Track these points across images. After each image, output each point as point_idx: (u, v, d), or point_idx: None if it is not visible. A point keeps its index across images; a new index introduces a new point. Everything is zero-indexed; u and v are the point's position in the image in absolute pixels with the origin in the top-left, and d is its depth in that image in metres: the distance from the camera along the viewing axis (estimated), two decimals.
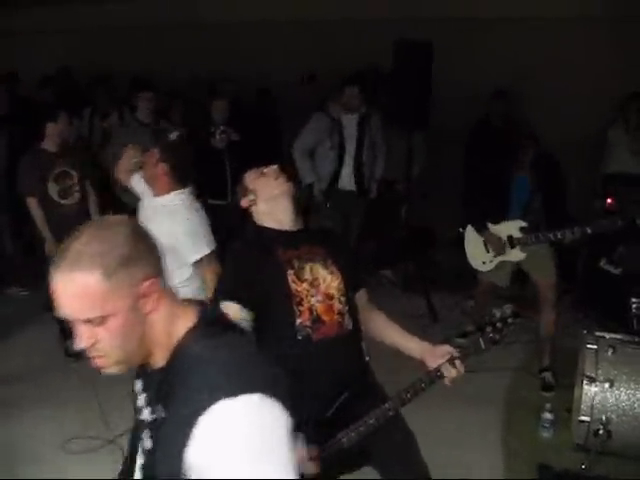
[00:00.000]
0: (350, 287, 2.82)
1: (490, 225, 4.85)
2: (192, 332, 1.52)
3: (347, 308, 2.76)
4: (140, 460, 1.61)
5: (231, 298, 2.64)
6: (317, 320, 2.68)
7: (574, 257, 5.99)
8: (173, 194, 3.67)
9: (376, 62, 6.93)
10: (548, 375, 4.81)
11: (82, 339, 1.48)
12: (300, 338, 2.66)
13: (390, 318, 2.93)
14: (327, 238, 2.94)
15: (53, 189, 5.10)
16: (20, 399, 4.73)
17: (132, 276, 1.46)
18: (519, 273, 5.01)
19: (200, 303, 1.64)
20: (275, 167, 2.92)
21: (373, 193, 6.41)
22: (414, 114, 6.06)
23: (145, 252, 1.50)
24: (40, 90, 7.56)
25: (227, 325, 1.60)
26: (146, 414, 1.56)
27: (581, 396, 3.86)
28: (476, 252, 5.01)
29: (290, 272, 2.71)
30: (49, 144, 5.15)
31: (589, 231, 4.38)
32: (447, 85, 6.56)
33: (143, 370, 1.63)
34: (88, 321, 1.45)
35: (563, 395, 4.45)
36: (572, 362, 4.26)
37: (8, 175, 5.95)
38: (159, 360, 1.54)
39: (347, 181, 6.15)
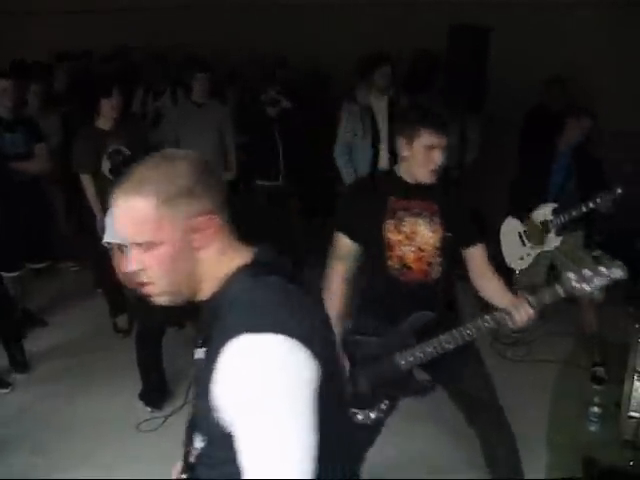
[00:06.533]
0: (461, 243, 3.04)
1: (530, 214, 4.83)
2: (241, 270, 1.51)
3: (439, 260, 2.98)
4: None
5: (342, 230, 3.06)
6: (405, 266, 2.98)
7: (630, 251, 5.87)
8: None
9: (434, 47, 6.85)
10: (599, 369, 4.73)
11: (131, 263, 1.51)
12: (389, 276, 2.99)
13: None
14: (443, 194, 3.02)
15: (106, 166, 5.15)
16: (67, 374, 4.86)
17: (188, 209, 1.47)
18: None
19: (260, 245, 1.62)
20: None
21: None
22: (468, 99, 5.97)
23: (206, 187, 1.50)
24: (100, 68, 7.70)
25: (279, 268, 1.53)
26: (197, 353, 1.57)
27: (631, 391, 3.77)
28: (512, 247, 4.95)
29: (390, 222, 2.96)
30: (103, 121, 5.21)
31: (619, 191, 4.33)
32: (503, 70, 6.45)
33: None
34: (139, 245, 1.49)
35: (612, 389, 4.37)
36: (622, 356, 4.18)
37: (63, 152, 6.04)
38: (206, 294, 1.54)
39: (384, 167, 6.01)
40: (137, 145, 5.35)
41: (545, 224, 4.72)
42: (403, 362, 2.94)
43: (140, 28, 8.36)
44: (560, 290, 2.75)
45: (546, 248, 4.80)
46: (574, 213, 4.55)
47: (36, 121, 5.52)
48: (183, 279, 1.53)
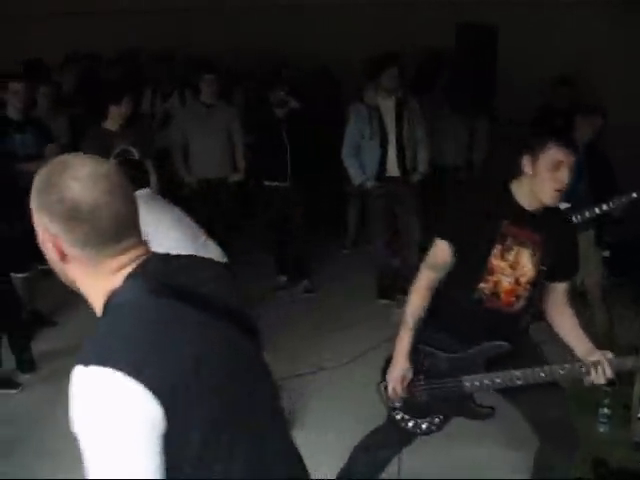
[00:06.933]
0: (550, 277, 2.94)
1: None
2: (117, 291, 1.45)
3: (527, 295, 2.91)
4: None
5: (450, 241, 2.90)
6: (495, 294, 2.88)
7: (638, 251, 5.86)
8: None
9: (438, 45, 6.86)
10: None
11: None
12: (474, 298, 2.89)
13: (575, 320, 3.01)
14: (555, 226, 2.89)
15: None
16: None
17: (40, 221, 1.47)
18: None
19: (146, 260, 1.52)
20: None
21: (416, 178, 6.12)
22: (476, 99, 5.96)
23: (61, 215, 1.42)
24: (108, 70, 7.74)
25: (156, 286, 1.45)
26: None
27: None
28: None
29: (498, 247, 2.84)
30: (111, 123, 5.23)
31: (635, 195, 4.31)
32: (512, 70, 6.44)
33: None
34: None
35: (622, 391, 4.35)
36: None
37: (70, 152, 6.06)
38: (98, 312, 1.50)
39: (392, 167, 6.00)
40: (145, 145, 5.37)
41: None
42: (468, 385, 2.90)
43: (143, 30, 8.40)
44: None
45: None
46: (587, 214, 4.51)
47: (46, 122, 5.54)
48: (64, 277, 1.54)
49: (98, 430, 1.29)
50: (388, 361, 3.03)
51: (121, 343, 1.35)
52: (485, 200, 2.97)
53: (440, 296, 3.00)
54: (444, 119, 6.49)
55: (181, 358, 1.38)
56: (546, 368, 2.81)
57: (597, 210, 4.46)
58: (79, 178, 1.42)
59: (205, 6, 8.57)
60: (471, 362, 2.90)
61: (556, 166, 2.73)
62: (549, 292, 3.01)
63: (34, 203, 1.47)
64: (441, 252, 2.93)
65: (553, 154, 2.73)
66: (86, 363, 1.32)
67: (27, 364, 4.99)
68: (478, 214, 2.87)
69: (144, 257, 1.50)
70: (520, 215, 2.84)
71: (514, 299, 2.89)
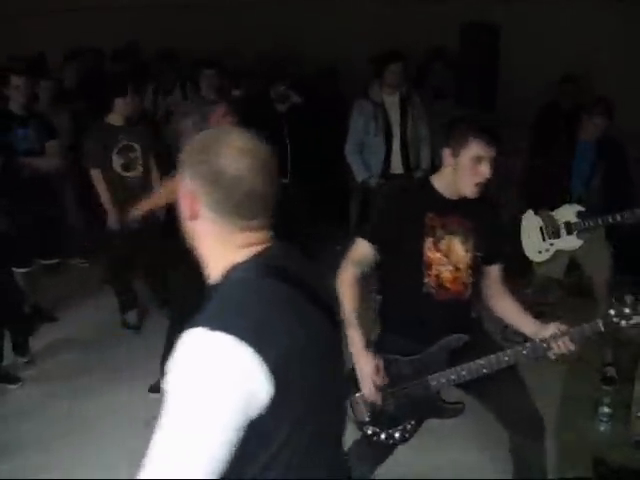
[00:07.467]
0: (485, 260, 2.98)
1: (551, 212, 4.76)
2: (240, 265, 1.52)
3: (471, 280, 2.94)
4: None
5: (367, 238, 2.93)
6: (442, 286, 2.90)
7: None
8: None
9: (441, 44, 6.84)
10: (610, 369, 4.69)
11: None
12: (424, 293, 2.90)
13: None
14: (480, 210, 2.92)
15: (117, 162, 5.16)
16: (75, 369, 4.89)
17: (186, 176, 1.56)
18: (573, 263, 4.93)
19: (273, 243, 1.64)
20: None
21: (419, 175, 6.00)
22: (479, 96, 5.96)
23: (205, 176, 1.52)
24: (112, 64, 7.73)
25: (275, 270, 1.54)
26: None
27: None
28: (532, 240, 4.88)
29: (429, 240, 2.86)
30: (115, 118, 5.22)
31: None
32: (515, 68, 6.42)
33: None
34: None
35: (623, 390, 4.35)
36: (633, 356, 4.16)
37: (73, 148, 6.05)
38: (213, 278, 1.57)
39: (396, 164, 5.97)
40: (148, 141, 5.37)
41: (568, 225, 4.67)
42: (435, 383, 2.88)
43: (143, 27, 8.39)
44: (600, 324, 2.74)
45: (567, 248, 4.75)
46: (600, 221, 4.50)
47: (48, 117, 5.53)
48: (187, 233, 1.61)
49: (199, 393, 1.30)
50: (349, 375, 2.92)
51: (244, 316, 1.40)
52: (406, 195, 3.05)
53: (392, 301, 3.04)
54: (438, 116, 6.48)
55: (293, 342, 1.43)
56: (508, 351, 2.82)
57: (610, 219, 4.44)
58: (231, 147, 1.53)
59: (205, 2, 8.57)
60: (433, 360, 2.89)
61: (477, 161, 2.75)
62: (486, 278, 3.05)
63: (185, 159, 1.57)
64: (360, 249, 2.95)
65: (474, 149, 2.74)
66: (213, 327, 1.34)
67: (21, 348, 4.99)
68: (399, 212, 2.91)
69: (269, 242, 1.61)
70: (443, 205, 2.87)
71: (462, 287, 2.92)
